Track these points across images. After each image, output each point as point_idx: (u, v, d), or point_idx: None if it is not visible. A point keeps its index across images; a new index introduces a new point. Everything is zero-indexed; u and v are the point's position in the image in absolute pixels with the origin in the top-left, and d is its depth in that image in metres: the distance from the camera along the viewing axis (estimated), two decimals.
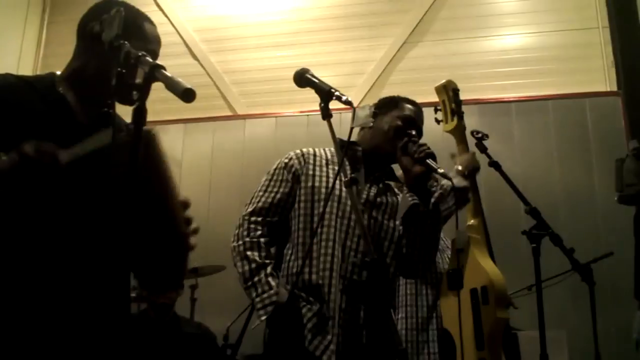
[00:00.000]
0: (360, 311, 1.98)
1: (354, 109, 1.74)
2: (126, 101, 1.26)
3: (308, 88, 1.88)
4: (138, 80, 1.08)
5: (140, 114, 1.06)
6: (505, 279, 2.64)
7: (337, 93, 1.74)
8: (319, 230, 2.04)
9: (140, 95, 1.07)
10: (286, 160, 2.20)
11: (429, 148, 2.05)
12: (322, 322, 1.94)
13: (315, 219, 2.05)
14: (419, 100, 2.34)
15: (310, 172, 2.14)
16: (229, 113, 5.19)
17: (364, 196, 2.12)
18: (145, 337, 3.36)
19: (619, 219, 4.06)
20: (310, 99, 2.02)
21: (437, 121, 2.83)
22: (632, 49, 4.52)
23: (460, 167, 2.56)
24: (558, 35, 4.80)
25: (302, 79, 1.88)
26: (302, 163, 2.16)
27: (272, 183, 2.16)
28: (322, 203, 2.06)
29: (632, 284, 3.14)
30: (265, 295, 1.95)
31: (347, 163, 2.17)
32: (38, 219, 1.29)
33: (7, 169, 1.17)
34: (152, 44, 1.51)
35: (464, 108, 2.88)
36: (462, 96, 2.88)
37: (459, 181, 2.15)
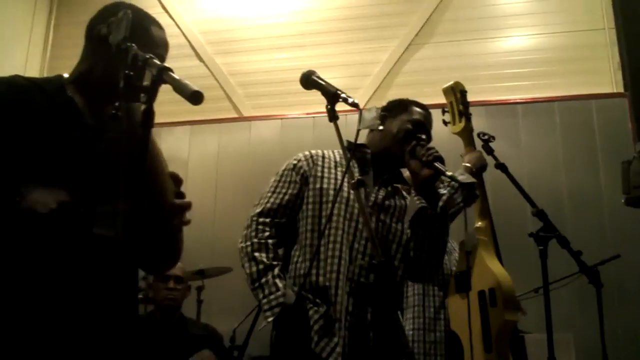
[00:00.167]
0: (367, 314, 1.98)
1: (361, 111, 1.74)
2: (134, 101, 1.26)
3: (314, 90, 1.88)
4: (146, 83, 1.09)
5: (148, 116, 1.06)
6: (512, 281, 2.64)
7: (343, 95, 1.74)
8: (326, 232, 2.04)
9: (148, 97, 1.07)
10: (295, 162, 2.20)
11: (437, 151, 2.05)
12: (328, 324, 1.94)
13: (323, 220, 2.05)
14: (425, 102, 2.33)
15: (319, 174, 2.14)
16: (235, 115, 5.20)
17: (372, 199, 2.12)
18: (152, 338, 3.36)
19: (625, 221, 4.05)
20: (315, 101, 2.02)
21: (445, 123, 2.83)
22: (639, 50, 4.50)
23: (468, 164, 2.56)
24: (564, 36, 4.79)
25: (309, 80, 1.87)
26: (311, 165, 2.16)
27: (280, 184, 2.16)
28: (329, 205, 2.06)
29: None
30: (272, 296, 1.95)
31: (355, 165, 2.18)
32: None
33: (47, 211, 1.19)
34: (159, 47, 1.51)
35: (470, 109, 2.88)
36: (469, 97, 2.88)
37: (466, 177, 2.15)
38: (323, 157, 2.20)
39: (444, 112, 2.83)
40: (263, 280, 1.99)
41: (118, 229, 1.34)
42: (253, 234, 2.08)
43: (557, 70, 4.73)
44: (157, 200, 1.32)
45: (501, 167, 2.80)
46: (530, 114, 4.62)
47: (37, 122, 1.37)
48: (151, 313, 3.58)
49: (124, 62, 1.18)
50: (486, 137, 2.88)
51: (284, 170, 2.20)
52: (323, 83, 1.83)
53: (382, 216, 2.11)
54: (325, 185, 2.11)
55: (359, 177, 1.76)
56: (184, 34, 5.40)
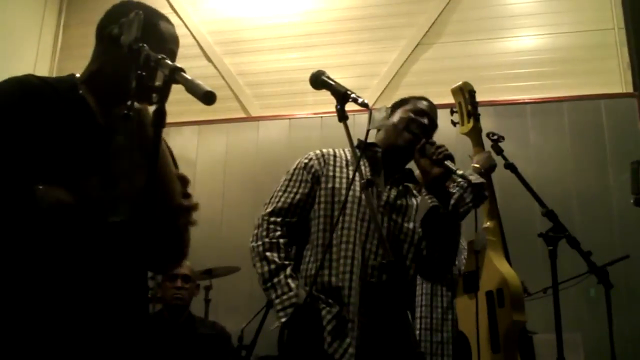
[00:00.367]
0: (379, 314, 1.97)
1: (371, 111, 1.75)
2: (145, 100, 1.27)
3: (322, 90, 1.89)
4: (158, 83, 1.09)
5: (160, 116, 1.07)
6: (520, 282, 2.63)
7: (353, 95, 1.74)
8: (339, 232, 2.03)
9: (160, 97, 1.08)
10: (306, 161, 2.19)
11: (447, 149, 2.05)
12: (341, 325, 1.93)
13: (336, 220, 2.05)
14: (433, 102, 2.33)
15: (331, 173, 2.13)
16: (243, 115, 5.21)
17: (384, 198, 2.12)
18: (160, 338, 3.37)
19: (634, 221, 4.03)
20: (323, 101, 2.03)
21: (454, 123, 2.82)
22: None
23: (476, 165, 2.56)
24: (573, 36, 4.77)
25: (318, 81, 1.88)
26: (322, 164, 2.16)
27: (291, 183, 2.15)
28: (342, 205, 2.06)
29: None
30: (285, 296, 1.94)
31: (366, 164, 2.17)
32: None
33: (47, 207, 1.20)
34: (168, 42, 1.51)
35: (479, 109, 2.88)
36: (477, 98, 2.87)
37: (475, 178, 2.15)
38: (334, 155, 2.20)
39: (452, 112, 2.82)
40: (275, 280, 1.98)
41: (127, 227, 1.35)
42: (264, 233, 2.07)
43: (566, 70, 4.71)
44: (165, 201, 1.33)
45: (510, 167, 2.79)
46: (539, 114, 4.60)
47: (49, 121, 1.38)
48: (159, 312, 3.59)
49: (136, 63, 1.19)
50: (495, 137, 2.88)
51: (294, 169, 2.19)
52: (333, 83, 1.83)
53: (394, 216, 2.11)
54: (337, 185, 2.10)
55: (369, 177, 1.76)
56: (192, 34, 5.42)
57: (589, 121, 4.49)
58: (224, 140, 5.08)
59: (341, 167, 2.16)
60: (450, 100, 2.87)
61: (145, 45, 1.22)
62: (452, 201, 2.08)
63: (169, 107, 1.11)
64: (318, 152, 2.21)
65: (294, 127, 4.98)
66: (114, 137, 1.39)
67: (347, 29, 5.18)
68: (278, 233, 2.06)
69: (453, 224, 2.08)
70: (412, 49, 5.02)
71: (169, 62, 1.13)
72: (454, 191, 2.17)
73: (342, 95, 1.76)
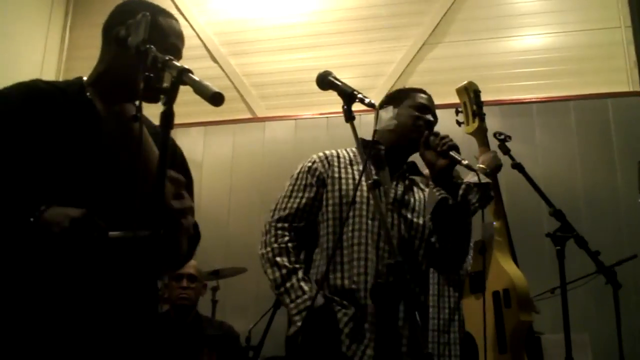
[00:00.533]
0: (395, 314, 1.95)
1: (377, 111, 1.74)
2: (152, 101, 1.27)
3: (328, 90, 1.88)
4: (165, 84, 1.09)
5: (168, 117, 1.07)
6: (527, 282, 2.62)
7: (360, 95, 1.74)
8: (349, 234, 2.02)
9: (167, 99, 1.08)
10: (309, 164, 2.18)
11: (451, 140, 2.04)
12: (358, 327, 1.92)
13: (345, 222, 2.03)
14: (439, 101, 2.33)
15: (336, 175, 2.12)
16: (249, 116, 5.21)
17: (392, 195, 2.11)
18: (168, 338, 3.38)
19: None
20: (330, 101, 2.02)
21: (459, 123, 2.82)
22: None
23: (482, 165, 2.55)
24: (580, 35, 4.75)
25: (325, 81, 1.87)
26: (327, 166, 2.15)
27: (296, 188, 2.14)
28: (350, 206, 2.04)
29: None
30: (299, 300, 1.93)
31: (370, 163, 2.17)
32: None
33: (59, 230, 1.19)
34: (169, 37, 1.50)
35: (485, 109, 2.87)
36: (483, 97, 2.87)
37: (481, 178, 2.13)
38: (338, 157, 2.19)
39: (457, 112, 2.82)
40: (288, 284, 1.97)
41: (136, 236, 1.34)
42: (272, 239, 2.06)
43: (573, 69, 4.69)
44: (157, 203, 1.27)
45: (518, 167, 2.78)
46: (546, 114, 4.59)
47: (55, 125, 1.38)
48: (167, 312, 3.59)
49: (144, 64, 1.19)
50: (502, 136, 2.87)
51: (298, 174, 2.18)
52: (339, 84, 1.83)
53: (404, 211, 2.10)
54: (344, 187, 2.09)
55: (375, 178, 1.75)
56: (198, 35, 5.42)
57: (595, 120, 4.47)
58: (230, 141, 5.09)
59: (346, 167, 2.15)
60: (457, 99, 2.86)
61: (152, 46, 1.22)
62: (461, 191, 2.06)
63: (175, 107, 1.10)
64: (321, 154, 2.20)
65: (300, 128, 4.98)
66: (111, 137, 1.37)
67: (352, 29, 5.18)
68: (286, 238, 2.05)
69: (463, 213, 2.06)
70: (418, 49, 5.01)
71: (176, 63, 1.13)
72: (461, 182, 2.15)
73: (349, 96, 1.75)
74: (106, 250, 1.28)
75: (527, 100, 4.66)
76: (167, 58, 1.15)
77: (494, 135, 2.87)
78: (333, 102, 1.86)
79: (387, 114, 1.75)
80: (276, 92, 5.20)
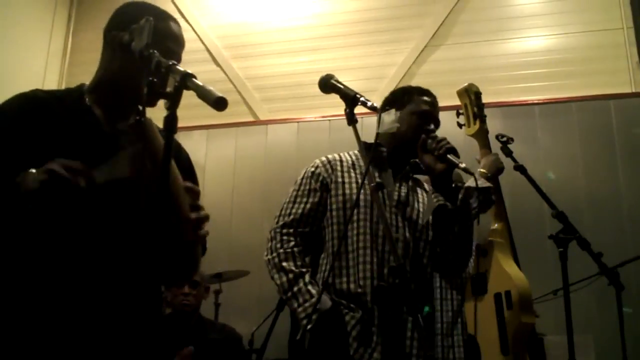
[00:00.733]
0: (400, 316, 1.95)
1: (380, 114, 1.74)
2: (149, 105, 1.27)
3: (331, 94, 1.89)
4: (169, 89, 1.10)
5: (171, 122, 1.07)
6: (530, 284, 2.63)
7: (362, 98, 1.74)
8: (354, 238, 2.02)
9: (171, 103, 1.08)
10: (312, 169, 2.17)
11: (448, 143, 2.03)
12: (365, 330, 1.92)
13: (349, 226, 2.03)
14: (441, 103, 2.32)
15: (340, 180, 2.12)
16: (251, 119, 5.22)
17: (395, 197, 2.11)
18: (171, 342, 3.38)
19: None
20: (332, 104, 2.02)
21: (460, 125, 2.82)
22: None
23: (483, 170, 2.55)
24: (582, 36, 4.75)
25: (327, 85, 1.87)
26: (330, 171, 2.14)
27: (300, 193, 2.14)
28: (354, 210, 2.04)
29: None
30: (307, 304, 1.93)
31: (373, 165, 2.16)
32: (68, 229, 1.31)
33: (36, 187, 1.19)
34: (167, 40, 1.49)
35: (487, 111, 2.87)
36: (485, 99, 2.87)
37: (482, 182, 2.12)
38: (340, 160, 2.19)
39: (458, 114, 2.82)
40: (295, 289, 1.97)
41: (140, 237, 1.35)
42: (278, 245, 2.06)
43: (575, 70, 4.69)
44: (172, 214, 1.29)
45: (520, 168, 2.79)
46: (548, 115, 4.59)
47: (54, 134, 1.39)
48: (169, 315, 3.59)
49: (147, 69, 1.19)
50: (505, 139, 2.87)
51: (302, 179, 2.18)
52: (342, 87, 1.82)
53: (408, 213, 2.09)
54: (347, 191, 2.09)
55: (378, 181, 1.75)
56: (200, 39, 5.44)
57: (598, 121, 4.47)
58: (233, 144, 5.10)
59: (349, 171, 2.15)
60: (459, 101, 2.87)
61: (155, 51, 1.23)
62: (460, 195, 2.05)
63: (178, 111, 1.11)
64: (324, 158, 2.20)
65: (303, 131, 4.99)
66: (120, 146, 1.37)
67: (354, 32, 5.19)
68: (292, 243, 2.05)
69: (464, 217, 2.06)
70: (420, 51, 5.02)
71: (180, 68, 1.13)
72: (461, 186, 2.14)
73: (351, 99, 1.75)
74: (94, 196, 1.27)
75: (529, 102, 4.67)
76: (170, 63, 1.15)
77: (496, 137, 2.88)
78: (335, 105, 1.86)
79: (390, 117, 1.75)
80: (278, 95, 5.21)
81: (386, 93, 4.92)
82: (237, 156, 5.06)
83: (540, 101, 4.66)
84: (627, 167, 4.27)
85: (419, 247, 2.08)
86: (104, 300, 1.34)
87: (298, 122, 5.04)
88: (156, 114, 1.53)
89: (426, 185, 2.23)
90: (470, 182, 2.10)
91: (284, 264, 2.01)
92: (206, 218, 1.35)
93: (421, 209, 2.14)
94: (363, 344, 1.90)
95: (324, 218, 2.10)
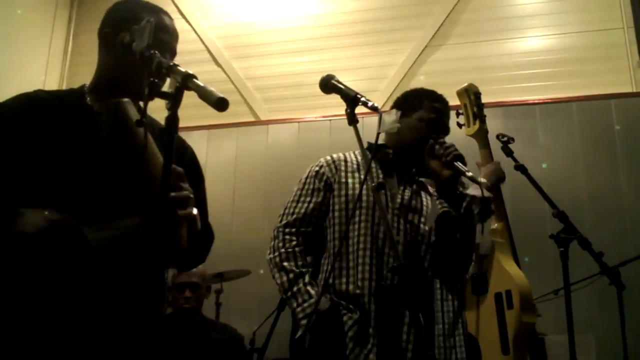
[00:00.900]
0: (398, 317, 1.96)
1: (380, 114, 1.75)
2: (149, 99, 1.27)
3: (331, 94, 1.89)
4: (170, 90, 1.10)
5: (172, 122, 1.08)
6: (530, 283, 2.63)
7: (363, 99, 1.74)
8: (355, 239, 2.02)
9: (172, 104, 1.08)
10: (317, 169, 2.18)
11: (456, 149, 2.03)
12: (362, 331, 1.93)
13: (351, 227, 2.04)
14: None
15: (343, 180, 2.12)
16: (252, 119, 5.22)
17: (399, 200, 2.10)
18: (173, 343, 3.38)
19: None
20: (332, 104, 2.02)
21: (459, 125, 2.82)
22: None
23: (484, 180, 2.54)
24: (582, 36, 4.75)
25: (328, 85, 1.87)
26: (334, 170, 2.15)
27: (304, 192, 2.15)
28: (356, 211, 2.04)
29: None
30: (305, 304, 1.95)
31: (378, 167, 2.16)
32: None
33: (33, 232, 1.21)
34: (158, 32, 1.47)
35: (487, 111, 2.88)
36: (486, 99, 2.87)
37: (483, 192, 2.12)
38: (345, 160, 2.19)
39: (458, 114, 2.82)
40: (295, 289, 1.98)
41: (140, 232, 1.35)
42: (280, 244, 2.07)
43: (576, 70, 4.69)
44: (153, 196, 1.23)
45: (520, 168, 2.79)
46: (549, 115, 4.58)
47: (56, 135, 1.39)
48: (171, 315, 3.59)
49: (148, 69, 1.20)
50: (505, 138, 2.87)
51: (306, 178, 2.18)
52: (342, 87, 1.83)
53: (410, 217, 2.09)
54: (350, 192, 2.09)
55: (380, 181, 1.75)
56: (201, 39, 5.45)
57: (598, 121, 4.46)
58: (234, 144, 5.10)
59: (353, 172, 2.14)
60: (459, 102, 2.87)
61: (157, 52, 1.23)
62: (464, 203, 2.06)
63: (179, 111, 1.11)
64: (328, 158, 2.20)
65: (303, 131, 4.99)
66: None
67: (355, 32, 5.19)
68: (294, 243, 2.06)
69: (467, 224, 2.06)
70: (421, 51, 5.01)
71: (181, 69, 1.13)
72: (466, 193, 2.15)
73: (352, 99, 1.75)
74: (88, 256, 1.28)
75: (530, 102, 4.67)
76: (171, 63, 1.16)
77: (497, 137, 2.88)
78: (336, 105, 1.86)
79: (390, 117, 1.75)
80: (279, 95, 5.21)
81: (387, 93, 4.98)
82: (238, 156, 5.06)
83: (540, 101, 4.65)
84: (627, 167, 4.27)
85: (420, 251, 2.08)
86: (105, 300, 1.34)
87: (299, 122, 5.05)
88: (157, 114, 1.54)
89: (430, 189, 2.22)
90: (471, 190, 2.10)
91: (285, 263, 2.02)
92: (187, 197, 1.27)
93: (424, 213, 2.13)
94: (359, 345, 1.91)
95: (326, 218, 2.10)
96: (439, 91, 2.30)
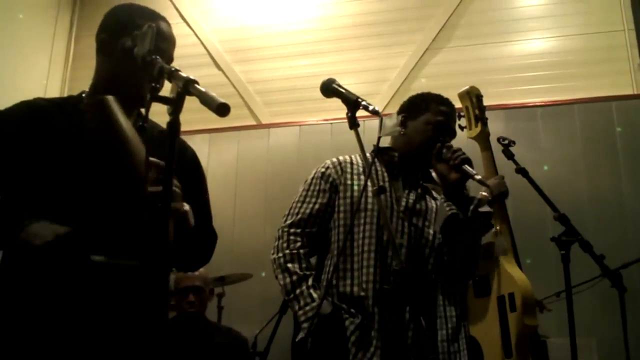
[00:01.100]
0: (402, 320, 1.95)
1: (381, 118, 1.75)
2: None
3: (332, 97, 1.89)
4: (172, 95, 1.10)
5: (174, 127, 1.08)
6: (532, 286, 2.63)
7: (364, 103, 1.74)
8: (359, 241, 2.02)
9: (174, 109, 1.09)
10: (323, 170, 2.18)
11: (464, 153, 2.03)
12: (364, 335, 1.93)
13: (356, 229, 2.04)
14: None
15: (349, 182, 2.12)
16: (253, 122, 5.23)
17: (404, 203, 2.11)
18: (176, 346, 3.37)
19: None
20: (334, 107, 2.02)
21: (461, 128, 2.83)
22: None
23: (485, 193, 2.54)
24: (583, 38, 4.75)
25: (329, 89, 1.88)
26: (340, 172, 2.15)
27: (309, 193, 2.14)
28: (361, 214, 2.04)
29: None
30: (308, 307, 1.94)
31: (383, 170, 2.16)
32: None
33: (41, 243, 1.21)
34: (158, 39, 1.44)
35: (489, 113, 2.88)
36: (487, 101, 2.87)
37: (485, 208, 2.11)
38: (351, 163, 2.19)
39: (459, 117, 2.82)
40: (298, 291, 1.98)
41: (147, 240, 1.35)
42: (285, 245, 2.07)
43: (577, 72, 4.69)
44: (136, 190, 1.24)
45: (522, 171, 2.79)
46: (550, 117, 4.58)
47: (55, 141, 1.40)
48: (175, 319, 3.59)
49: (150, 75, 1.20)
50: (506, 141, 2.88)
51: (312, 179, 2.18)
52: (343, 91, 1.83)
53: (415, 220, 2.09)
54: (355, 194, 2.09)
55: (381, 184, 1.76)
56: (202, 43, 5.45)
57: (600, 123, 4.46)
58: (235, 148, 5.10)
59: (358, 174, 2.14)
60: (459, 104, 2.87)
61: (158, 57, 1.24)
62: (472, 206, 2.06)
63: (180, 115, 1.11)
64: (335, 160, 2.20)
65: (305, 134, 5.00)
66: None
67: (356, 35, 5.20)
68: (299, 244, 2.06)
69: (473, 228, 2.06)
70: (422, 54, 5.02)
71: (182, 74, 1.14)
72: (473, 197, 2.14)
73: (353, 103, 1.76)
74: (87, 273, 1.29)
75: (531, 104, 4.67)
76: (173, 69, 1.16)
77: (498, 140, 2.88)
78: (337, 109, 1.87)
79: (391, 121, 1.75)
80: (280, 98, 5.21)
81: (388, 96, 4.98)
82: (239, 160, 5.06)
83: (542, 103, 4.66)
84: (629, 169, 4.27)
85: (423, 254, 2.08)
86: (107, 302, 1.34)
87: (300, 125, 5.05)
88: (157, 118, 1.54)
89: (434, 193, 2.22)
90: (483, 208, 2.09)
91: (289, 265, 2.02)
92: (174, 194, 1.23)
93: (428, 217, 2.14)
94: (362, 349, 1.90)
95: (331, 219, 2.10)
96: (441, 94, 2.30)
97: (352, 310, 1.97)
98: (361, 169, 2.16)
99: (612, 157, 4.36)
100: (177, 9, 5.48)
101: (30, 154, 1.37)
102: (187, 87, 1.09)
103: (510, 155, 2.85)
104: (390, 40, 5.12)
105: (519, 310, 2.55)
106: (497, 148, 2.88)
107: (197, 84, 1.11)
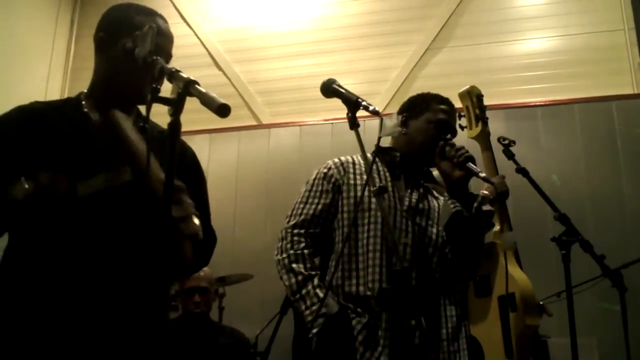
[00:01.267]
0: (405, 320, 1.95)
1: (382, 119, 1.75)
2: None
3: (332, 97, 1.90)
4: (172, 96, 1.10)
5: (175, 128, 1.08)
6: (533, 286, 2.63)
7: (364, 103, 1.74)
8: (364, 241, 2.03)
9: (174, 110, 1.09)
10: (325, 170, 2.18)
11: (467, 151, 2.03)
12: (372, 335, 1.93)
13: (360, 229, 2.04)
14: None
15: (352, 182, 2.13)
16: (254, 122, 5.23)
17: (406, 203, 2.11)
18: (180, 347, 3.37)
19: None
20: (334, 107, 2.02)
21: (462, 127, 2.83)
22: None
23: (486, 192, 2.54)
24: (583, 37, 4.75)
25: (329, 89, 1.88)
26: (342, 172, 2.15)
27: (312, 194, 2.15)
28: (365, 214, 2.05)
29: None
30: (314, 307, 1.93)
31: (385, 170, 2.17)
32: (68, 234, 1.33)
33: (22, 197, 1.22)
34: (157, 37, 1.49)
35: (489, 113, 2.88)
36: (488, 101, 2.87)
37: (485, 207, 2.12)
38: (353, 163, 2.19)
39: (460, 116, 2.82)
40: (303, 291, 1.97)
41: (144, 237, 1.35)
42: (288, 245, 2.06)
43: (577, 72, 4.69)
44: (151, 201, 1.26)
45: (522, 171, 2.79)
46: (550, 117, 4.58)
47: (53, 144, 1.40)
48: (179, 319, 3.59)
49: (150, 75, 1.20)
50: (506, 141, 2.88)
51: (314, 180, 2.18)
52: (344, 91, 1.83)
53: (418, 219, 2.10)
54: (359, 194, 2.09)
55: (381, 185, 1.76)
56: (202, 43, 5.45)
57: (600, 123, 4.46)
58: (235, 148, 5.10)
59: (361, 174, 2.15)
60: (460, 104, 2.87)
61: (159, 57, 1.24)
62: (475, 203, 2.06)
63: (181, 115, 1.12)
64: (337, 160, 2.21)
65: (305, 134, 4.99)
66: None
67: (356, 35, 5.20)
68: (302, 245, 2.06)
69: (477, 225, 2.06)
70: (422, 54, 5.01)
71: (183, 75, 1.14)
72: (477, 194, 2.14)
73: (353, 104, 1.76)
74: (88, 273, 1.30)
75: (531, 104, 4.67)
76: (174, 69, 1.16)
77: (498, 140, 2.88)
78: (338, 109, 1.86)
79: (391, 121, 1.75)
80: (281, 98, 5.21)
81: (388, 96, 4.98)
82: (240, 160, 5.06)
83: (542, 103, 4.65)
84: (629, 169, 4.27)
85: (427, 252, 2.08)
86: (108, 303, 1.34)
87: (300, 125, 5.05)
88: (157, 118, 1.54)
89: (435, 193, 2.22)
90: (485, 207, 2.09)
91: (294, 265, 2.02)
92: (189, 214, 1.30)
93: (431, 216, 2.14)
94: (369, 348, 1.90)
95: (334, 219, 2.10)
96: (441, 94, 2.31)
97: (359, 309, 1.97)
98: (363, 169, 2.16)
99: (612, 156, 4.35)
100: (177, 9, 5.47)
101: (29, 159, 1.37)
102: (188, 88, 1.10)
103: (510, 156, 2.85)
104: (391, 40, 5.12)
105: (520, 310, 2.55)
106: (497, 148, 2.88)
107: (198, 84, 1.11)
